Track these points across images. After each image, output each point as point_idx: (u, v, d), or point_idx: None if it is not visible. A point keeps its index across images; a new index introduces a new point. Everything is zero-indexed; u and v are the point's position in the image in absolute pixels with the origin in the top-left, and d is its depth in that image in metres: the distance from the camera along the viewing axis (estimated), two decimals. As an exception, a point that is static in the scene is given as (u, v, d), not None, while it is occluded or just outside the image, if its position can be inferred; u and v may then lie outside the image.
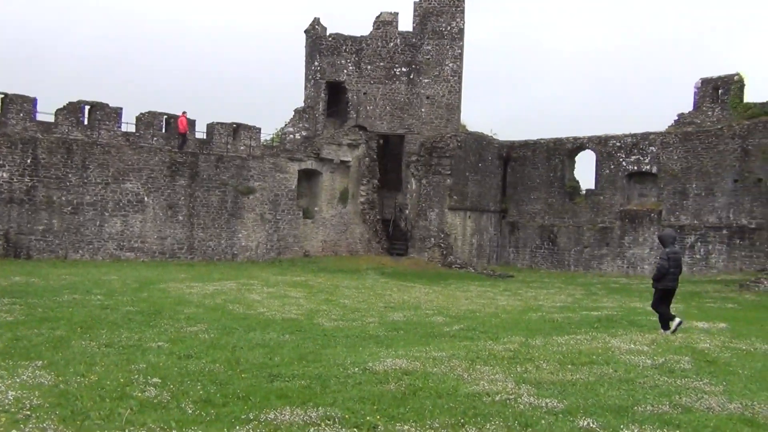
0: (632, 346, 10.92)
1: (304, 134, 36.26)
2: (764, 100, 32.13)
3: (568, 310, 18.27)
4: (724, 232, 31.53)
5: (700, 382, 8.45)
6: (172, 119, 32.22)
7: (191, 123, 32.36)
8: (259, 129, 34.94)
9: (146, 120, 31.01)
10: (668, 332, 12.39)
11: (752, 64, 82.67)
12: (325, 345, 11.59)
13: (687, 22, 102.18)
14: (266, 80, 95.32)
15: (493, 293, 23.82)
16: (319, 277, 26.64)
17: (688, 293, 24.15)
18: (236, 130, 33.77)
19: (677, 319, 12.64)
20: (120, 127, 30.44)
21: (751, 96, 33.67)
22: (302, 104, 38.59)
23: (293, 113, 37.26)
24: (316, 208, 34.92)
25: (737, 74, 33.88)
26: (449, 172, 35.66)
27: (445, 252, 35.01)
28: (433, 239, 35.52)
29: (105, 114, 29.71)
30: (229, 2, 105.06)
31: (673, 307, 19.20)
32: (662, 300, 12.76)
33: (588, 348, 10.74)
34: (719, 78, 34.45)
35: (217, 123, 33.39)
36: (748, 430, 6.60)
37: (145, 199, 29.30)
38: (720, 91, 34.21)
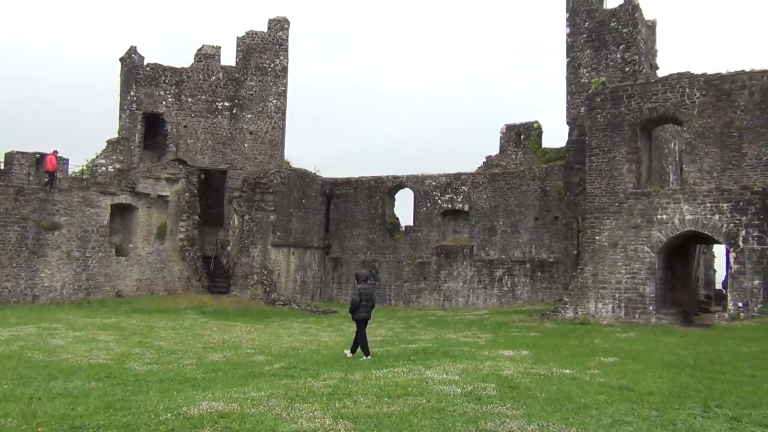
0: (444, 376, 11.46)
1: (117, 167, 34.39)
2: (559, 146, 35.64)
3: (388, 344, 18.75)
4: (528, 265, 34.26)
5: (504, 407, 9.05)
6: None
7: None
8: (67, 160, 32.65)
9: (-70, 147, 27.74)
10: (366, 358, 14.77)
11: (549, 112, 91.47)
12: (136, 391, 10.92)
13: (497, 71, 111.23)
14: (74, 109, 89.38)
15: (316, 329, 23.87)
16: (133, 319, 25.12)
17: (497, 323, 25.87)
18: (39, 160, 31.22)
19: (350, 353, 15.31)
20: None
21: (548, 142, 37.31)
22: (116, 135, 36.61)
23: (106, 144, 35.26)
24: (130, 245, 33.01)
25: (536, 122, 37.39)
26: (272, 209, 35.49)
27: (268, 289, 34.58)
28: (256, 276, 34.97)
29: None
30: (35, 25, 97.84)
31: (484, 337, 20.51)
32: (360, 328, 15.21)
33: (404, 380, 11.10)
34: (521, 125, 37.82)
35: (17, 152, 30.70)
36: (543, 449, 7.16)
37: (-73, 235, 26.00)
38: (522, 136, 37.53)
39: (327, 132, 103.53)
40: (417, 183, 38.38)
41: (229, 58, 38.46)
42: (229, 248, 36.59)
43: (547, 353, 16.08)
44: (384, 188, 39.28)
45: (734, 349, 16.92)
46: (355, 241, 39.55)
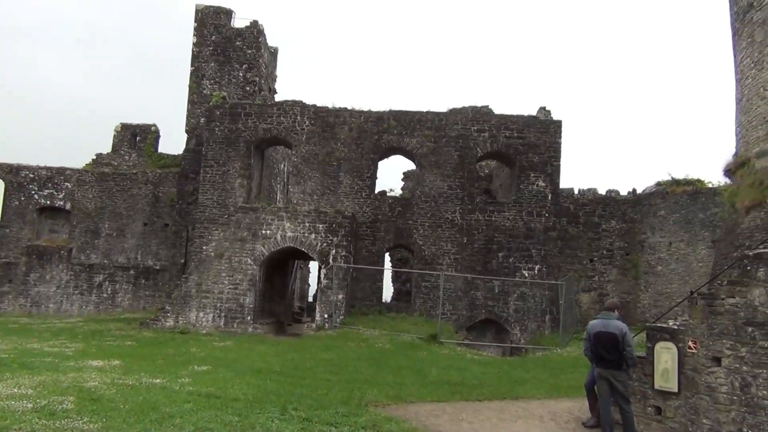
0: (16, 390, 10.23)
1: None
2: (176, 153, 35.23)
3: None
4: (132, 272, 32.85)
5: (80, 422, 8.43)
6: None
7: None
8: None
9: None
10: None
11: (170, 118, 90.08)
12: None
13: (122, 69, 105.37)
14: None
15: None
16: None
17: (91, 332, 24.18)
18: None
19: None
20: None
21: (165, 147, 36.63)
22: None
23: None
24: None
25: (154, 125, 36.42)
26: None
27: None
28: None
29: None
30: None
31: (73, 347, 18.99)
32: None
33: (-41, 398, 9.58)
34: (138, 126, 36.43)
35: None
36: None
37: None
38: (138, 138, 36.14)
39: None
40: (10, 173, 33.87)
41: None
42: None
43: (140, 363, 15.58)
44: (-34, 175, 33.78)
45: (317, 356, 18.68)
46: None
